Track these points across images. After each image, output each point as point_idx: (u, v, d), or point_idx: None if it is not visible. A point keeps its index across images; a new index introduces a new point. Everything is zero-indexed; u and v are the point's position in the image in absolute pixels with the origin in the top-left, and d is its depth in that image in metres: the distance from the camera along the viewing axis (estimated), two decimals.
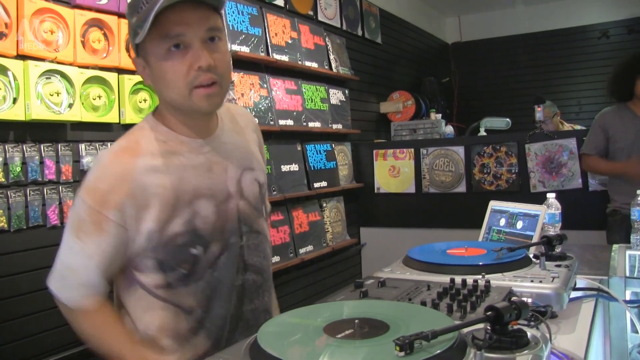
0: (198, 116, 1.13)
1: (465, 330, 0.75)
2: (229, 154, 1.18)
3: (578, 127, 4.37)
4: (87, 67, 2.09)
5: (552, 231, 1.54)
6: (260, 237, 1.22)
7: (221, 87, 1.08)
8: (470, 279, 1.01)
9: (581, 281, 1.34)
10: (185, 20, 1.01)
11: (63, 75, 2.00)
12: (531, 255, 1.26)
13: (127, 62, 2.23)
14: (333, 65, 3.81)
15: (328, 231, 3.67)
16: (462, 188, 3.84)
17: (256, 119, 1.37)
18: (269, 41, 3.19)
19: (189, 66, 1.03)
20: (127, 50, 2.20)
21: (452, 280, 1.00)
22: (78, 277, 1.08)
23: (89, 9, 2.11)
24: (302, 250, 3.35)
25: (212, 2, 1.04)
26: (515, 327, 0.73)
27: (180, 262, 1.09)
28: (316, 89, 3.63)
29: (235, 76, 2.91)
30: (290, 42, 3.38)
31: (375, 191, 4.13)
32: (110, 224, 1.05)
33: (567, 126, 4.39)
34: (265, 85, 3.14)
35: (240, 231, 1.17)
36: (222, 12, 1.14)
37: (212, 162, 1.14)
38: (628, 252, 1.67)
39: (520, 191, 3.63)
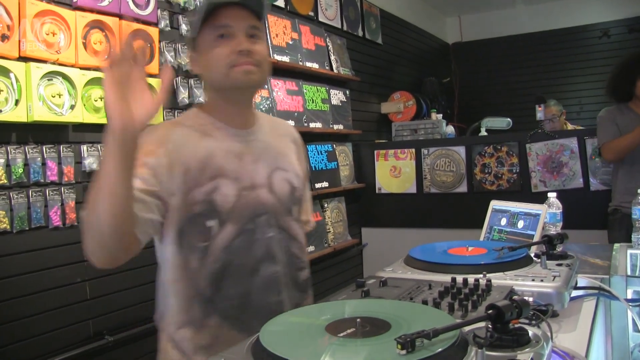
0: (238, 100, 1.25)
1: (467, 328, 0.75)
2: (261, 150, 1.27)
3: (580, 127, 4.36)
4: (88, 69, 2.09)
5: (553, 230, 1.54)
6: (289, 235, 1.27)
7: (259, 68, 1.21)
8: (471, 278, 1.01)
9: (582, 280, 1.34)
10: (231, 16, 1.20)
11: (65, 77, 2.01)
12: (532, 255, 1.26)
13: None
14: (334, 66, 3.82)
15: (329, 231, 3.67)
16: (463, 188, 3.84)
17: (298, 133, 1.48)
18: (269, 42, 3.20)
19: (230, 50, 1.19)
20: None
21: (454, 280, 1.00)
22: None
23: (90, 10, 2.12)
24: None
25: (255, 7, 1.21)
26: (517, 325, 0.74)
27: (197, 233, 1.16)
28: (317, 89, 3.64)
29: None
30: (291, 42, 3.39)
31: (377, 191, 4.13)
32: (146, 168, 1.11)
33: (572, 127, 4.37)
34: (266, 86, 3.15)
35: (264, 222, 1.21)
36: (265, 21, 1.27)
37: (243, 151, 1.24)
38: (629, 251, 1.67)
39: (522, 191, 3.63)
